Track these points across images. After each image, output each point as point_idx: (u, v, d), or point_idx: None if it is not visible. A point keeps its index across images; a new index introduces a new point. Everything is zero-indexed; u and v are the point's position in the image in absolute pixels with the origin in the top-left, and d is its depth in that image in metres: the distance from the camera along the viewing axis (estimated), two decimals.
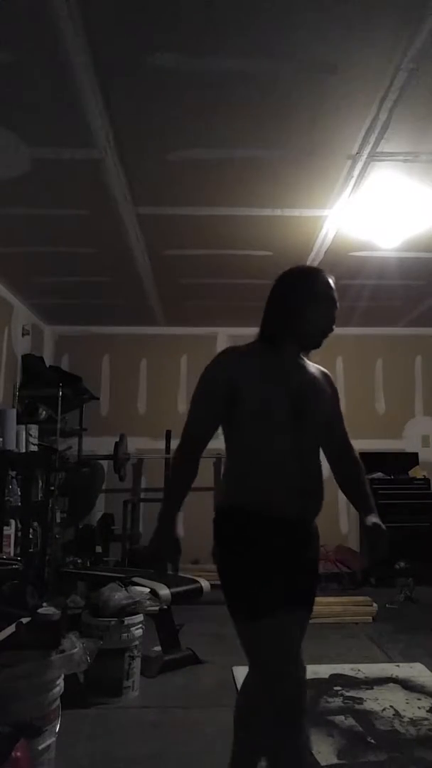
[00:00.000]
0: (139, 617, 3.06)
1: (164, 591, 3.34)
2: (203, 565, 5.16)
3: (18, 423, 4.48)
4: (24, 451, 4.44)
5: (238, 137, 2.72)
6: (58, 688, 2.22)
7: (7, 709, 2.03)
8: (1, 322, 4.97)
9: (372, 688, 3.09)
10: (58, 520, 4.95)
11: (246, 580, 1.66)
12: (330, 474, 1.93)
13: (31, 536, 4.19)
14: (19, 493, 4.14)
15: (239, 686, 3.05)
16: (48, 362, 5.89)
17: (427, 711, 2.82)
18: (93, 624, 2.94)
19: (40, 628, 2.30)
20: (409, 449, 6.14)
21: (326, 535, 1.85)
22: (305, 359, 1.88)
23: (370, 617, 4.33)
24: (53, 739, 2.19)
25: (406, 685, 3.14)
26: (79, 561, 4.92)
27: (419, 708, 2.86)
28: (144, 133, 2.70)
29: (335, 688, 3.07)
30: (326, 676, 3.20)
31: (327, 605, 4.20)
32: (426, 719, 2.73)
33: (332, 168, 2.99)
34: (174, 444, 5.66)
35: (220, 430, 1.82)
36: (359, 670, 3.33)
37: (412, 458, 6.04)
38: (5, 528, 3.88)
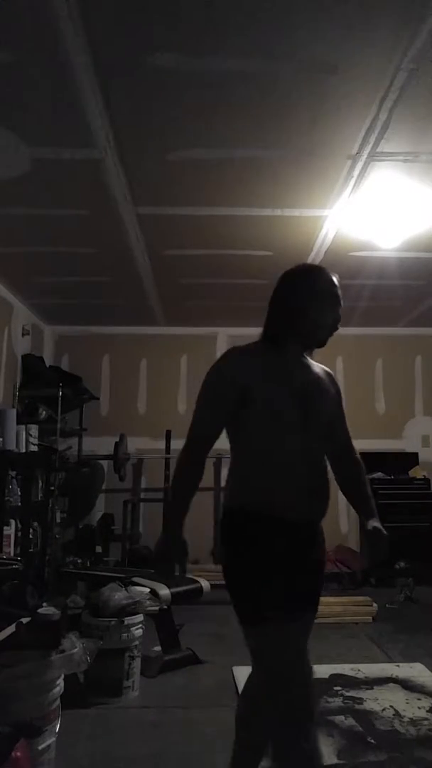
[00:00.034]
0: (139, 617, 3.06)
1: (164, 591, 3.34)
2: (203, 565, 5.16)
3: (18, 423, 4.48)
4: (24, 451, 4.44)
5: (238, 137, 2.72)
6: (58, 688, 2.22)
7: (7, 709, 2.03)
8: (1, 322, 4.97)
9: (372, 688, 3.09)
10: (58, 520, 4.95)
11: (257, 583, 1.63)
12: (331, 474, 1.93)
13: (31, 536, 4.19)
14: (19, 493, 4.14)
15: (239, 686, 3.05)
16: (48, 362, 5.89)
17: (427, 711, 2.82)
18: (93, 624, 2.94)
19: (40, 628, 2.30)
20: (409, 449, 6.14)
21: (326, 535, 1.84)
22: (309, 358, 1.87)
23: (370, 617, 4.33)
24: (53, 739, 2.19)
25: (406, 685, 3.14)
26: (79, 561, 4.92)
27: (419, 708, 2.86)
28: (144, 133, 2.70)
29: (335, 688, 3.07)
30: (326, 676, 3.20)
31: (327, 605, 4.20)
32: (426, 719, 2.73)
33: (332, 168, 2.99)
34: (174, 444, 5.73)
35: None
36: (359, 670, 3.33)
37: (412, 458, 6.04)
38: (5, 528, 3.88)
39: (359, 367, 6.11)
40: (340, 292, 1.84)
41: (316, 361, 1.93)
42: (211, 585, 3.66)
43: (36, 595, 3.59)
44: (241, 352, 1.80)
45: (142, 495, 6.00)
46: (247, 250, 4.08)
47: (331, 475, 1.85)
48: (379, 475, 5.68)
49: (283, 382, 1.74)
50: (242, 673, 3.20)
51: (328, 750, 2.41)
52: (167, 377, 6.17)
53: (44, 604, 2.97)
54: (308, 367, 1.84)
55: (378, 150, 2.79)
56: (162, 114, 2.55)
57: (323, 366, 1.93)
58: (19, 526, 4.08)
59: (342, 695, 2.99)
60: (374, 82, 2.33)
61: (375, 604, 4.41)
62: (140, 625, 3.06)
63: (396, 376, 6.26)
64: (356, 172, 3.00)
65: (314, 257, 4.12)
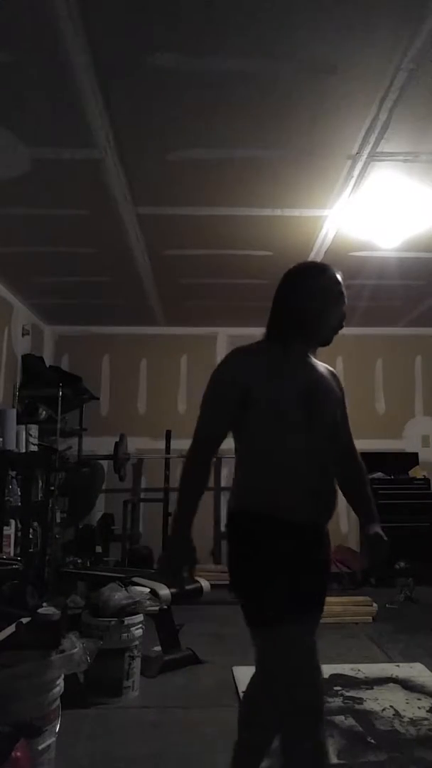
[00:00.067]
0: (139, 617, 3.06)
1: (164, 591, 3.34)
2: (203, 565, 5.16)
3: (18, 423, 4.48)
4: (24, 451, 4.44)
5: (238, 137, 2.72)
6: (58, 688, 2.22)
7: (7, 709, 2.03)
8: (1, 322, 4.97)
9: (372, 688, 3.09)
10: (58, 520, 4.95)
11: (268, 586, 1.61)
12: None
13: (31, 536, 4.19)
14: (19, 493, 4.14)
15: (239, 686, 3.06)
16: (48, 362, 5.89)
17: (427, 711, 2.82)
18: (93, 624, 2.94)
19: (40, 628, 2.30)
20: (409, 449, 6.14)
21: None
22: (313, 358, 1.85)
23: (370, 617, 4.33)
24: (53, 739, 2.19)
25: (406, 685, 3.14)
26: (79, 561, 4.92)
27: (419, 708, 2.86)
28: (144, 133, 2.70)
29: (335, 688, 3.07)
30: (326, 676, 3.18)
31: (327, 605, 4.15)
32: (426, 719, 2.73)
33: (332, 168, 2.99)
34: (174, 444, 5.73)
35: None
36: (359, 670, 3.33)
37: (412, 458, 6.04)
38: (5, 528, 3.88)
39: (359, 367, 6.11)
40: (344, 289, 1.82)
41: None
42: (211, 585, 3.67)
43: (36, 595, 3.60)
44: (246, 352, 1.78)
45: (142, 495, 6.00)
46: (247, 250, 4.08)
47: None
48: (379, 475, 5.68)
49: (288, 383, 1.71)
50: (242, 673, 3.20)
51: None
52: (167, 377, 6.17)
53: (44, 604, 2.97)
54: (313, 367, 1.82)
55: (378, 150, 2.79)
56: (162, 114, 2.55)
57: (327, 366, 1.91)
58: (19, 526, 4.08)
59: (342, 695, 2.99)
60: (374, 82, 2.33)
61: (375, 604, 4.42)
62: (140, 625, 3.06)
63: (396, 376, 6.26)
64: (356, 172, 3.00)
65: (314, 257, 4.11)
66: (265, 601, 1.62)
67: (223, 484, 5.62)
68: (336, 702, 2.91)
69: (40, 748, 2.09)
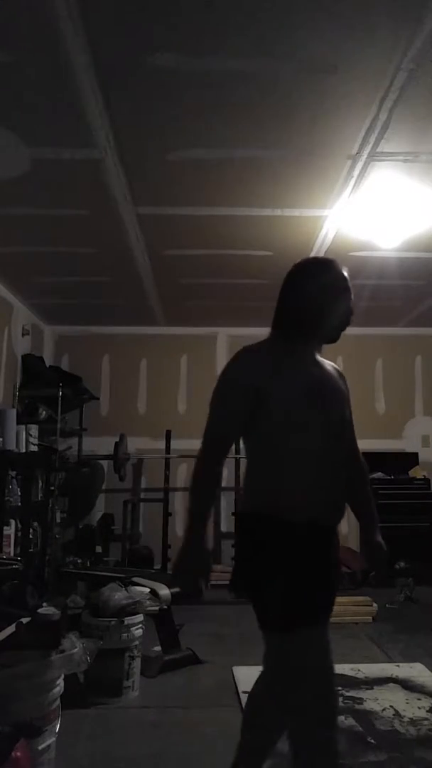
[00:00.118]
0: (139, 617, 3.06)
1: (164, 591, 3.34)
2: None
3: (18, 423, 4.48)
4: (24, 451, 4.44)
5: (238, 137, 2.72)
6: (58, 688, 2.22)
7: (7, 709, 2.03)
8: (1, 322, 4.97)
9: (372, 688, 3.09)
10: (58, 520, 4.95)
11: (285, 589, 1.58)
12: None
13: (31, 536, 4.19)
14: (19, 493, 4.14)
15: (239, 686, 3.06)
16: (48, 362, 5.89)
17: (427, 711, 2.82)
18: (93, 624, 2.94)
19: (40, 628, 2.30)
20: (409, 449, 6.14)
21: None
22: (319, 356, 1.82)
23: (370, 617, 4.33)
24: (53, 739, 2.19)
25: (406, 685, 3.14)
26: (79, 561, 4.92)
27: (419, 708, 2.86)
28: (144, 133, 2.70)
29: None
30: None
31: None
32: (426, 719, 2.73)
33: (332, 168, 2.99)
34: (174, 444, 5.73)
35: None
36: (359, 670, 3.33)
37: (412, 458, 6.04)
38: (5, 528, 3.88)
39: (359, 367, 6.11)
40: (350, 284, 1.80)
41: None
42: (212, 585, 3.66)
43: (36, 595, 3.60)
44: (254, 352, 1.74)
45: (142, 495, 6.00)
46: (247, 250, 4.08)
47: None
48: (379, 475, 5.68)
49: (298, 382, 1.68)
50: (242, 673, 3.20)
51: None
52: (167, 377, 6.17)
53: (44, 604, 2.97)
54: (321, 366, 1.79)
55: (378, 150, 2.79)
56: (162, 114, 2.55)
57: (333, 364, 1.88)
58: (19, 526, 4.08)
59: (342, 695, 2.99)
60: (374, 82, 2.33)
61: (375, 604, 4.41)
62: (140, 625, 3.06)
63: (396, 376, 6.26)
64: (356, 172, 3.00)
65: None
66: (281, 603, 1.58)
67: (223, 484, 5.61)
68: None
69: (40, 748, 2.09)
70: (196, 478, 1.70)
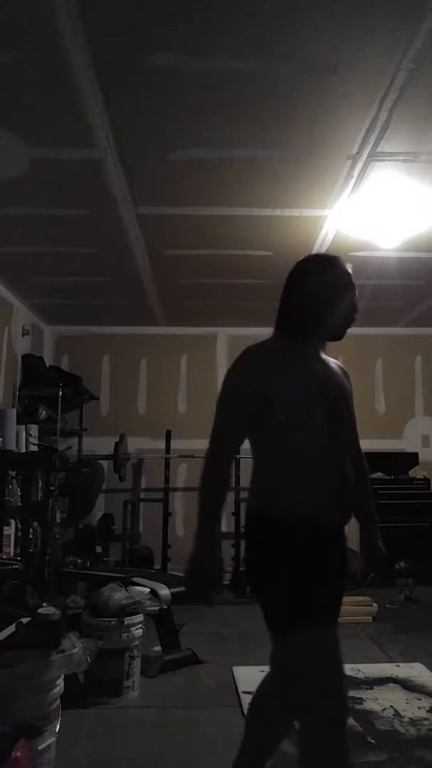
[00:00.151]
0: (139, 617, 3.06)
1: (164, 591, 3.34)
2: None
3: (18, 423, 4.48)
4: (24, 451, 4.44)
5: (238, 137, 2.72)
6: (58, 688, 2.22)
7: (7, 709, 2.03)
8: (1, 322, 4.97)
9: (372, 688, 3.09)
10: (58, 520, 4.95)
11: (295, 589, 1.57)
12: None
13: (31, 536, 4.20)
14: (19, 493, 4.14)
15: (239, 686, 3.06)
16: (48, 362, 5.89)
17: (427, 711, 2.82)
18: (93, 624, 2.94)
19: (40, 628, 2.30)
20: (409, 449, 6.14)
21: None
22: (324, 354, 1.80)
23: (370, 617, 4.33)
24: (53, 739, 2.19)
25: (406, 685, 3.14)
26: (79, 561, 4.92)
27: (419, 708, 2.86)
28: (144, 133, 2.70)
29: None
30: None
31: None
32: (426, 719, 2.73)
33: (332, 168, 2.99)
34: (174, 444, 5.72)
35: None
36: (359, 670, 3.32)
37: (412, 458, 6.04)
38: (5, 528, 3.88)
39: (359, 367, 6.10)
40: (353, 280, 1.78)
41: None
42: None
43: (36, 595, 3.60)
44: (258, 352, 1.71)
45: (142, 495, 6.00)
46: (247, 250, 4.08)
47: None
48: (379, 475, 5.68)
49: (305, 381, 1.67)
50: (242, 673, 3.20)
51: None
52: (167, 377, 6.17)
53: (44, 604, 2.98)
54: (327, 364, 1.78)
55: (378, 150, 2.79)
56: (162, 114, 2.55)
57: (337, 362, 1.87)
58: (19, 526, 4.08)
59: None
60: (374, 82, 2.33)
61: (375, 604, 4.41)
62: (140, 625, 3.06)
63: (396, 376, 6.26)
64: (356, 172, 3.00)
65: None
66: (292, 604, 1.57)
67: None
68: None
69: (40, 748, 2.09)
70: (204, 482, 1.67)
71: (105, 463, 5.82)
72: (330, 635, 1.60)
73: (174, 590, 3.41)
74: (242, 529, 1.78)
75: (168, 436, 5.83)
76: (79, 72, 2.26)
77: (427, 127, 2.62)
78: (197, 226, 3.69)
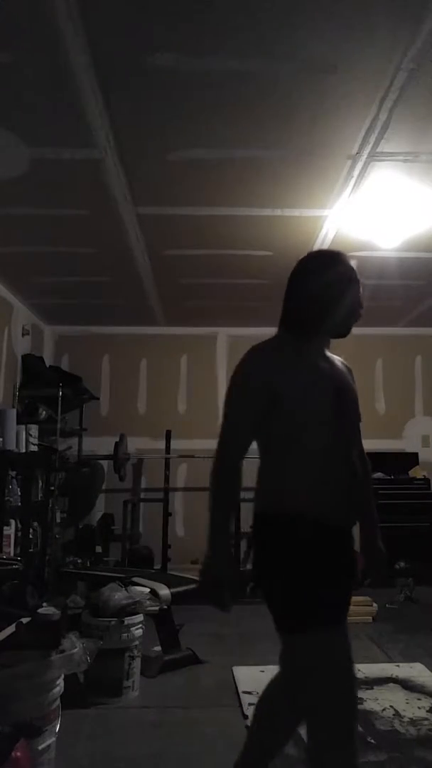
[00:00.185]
0: (139, 617, 3.06)
1: (164, 591, 3.35)
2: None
3: (18, 423, 4.48)
4: (24, 451, 4.44)
5: (239, 137, 2.72)
6: (58, 688, 2.22)
7: (7, 709, 2.03)
8: (1, 322, 4.97)
9: (372, 688, 3.09)
10: (58, 520, 4.95)
11: (309, 590, 1.55)
12: None
13: (31, 536, 4.19)
14: (19, 493, 4.14)
15: (239, 686, 3.06)
16: (48, 362, 5.89)
17: (427, 711, 2.82)
18: (93, 624, 2.94)
19: (40, 628, 2.30)
20: (409, 449, 6.14)
21: None
22: (328, 352, 1.79)
23: (370, 617, 4.33)
24: (53, 739, 2.19)
25: (406, 685, 3.14)
26: (79, 561, 4.92)
27: (419, 708, 2.86)
28: (144, 133, 2.70)
29: None
30: None
31: None
32: (426, 719, 2.73)
33: (332, 168, 2.99)
34: (174, 444, 5.72)
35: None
36: (359, 670, 3.28)
37: (412, 458, 6.04)
38: (5, 528, 3.88)
39: (359, 367, 6.00)
40: (358, 276, 1.77)
41: None
42: None
43: (36, 595, 3.60)
44: (264, 351, 1.69)
45: (142, 495, 6.00)
46: (247, 250, 4.08)
47: None
48: (379, 475, 5.68)
49: (312, 380, 1.65)
50: (242, 673, 3.21)
51: None
52: (167, 377, 6.17)
53: (44, 604, 2.97)
54: (332, 362, 1.77)
55: (378, 150, 2.79)
56: (162, 114, 2.55)
57: (342, 360, 1.85)
58: (19, 526, 4.08)
59: None
60: (374, 82, 2.33)
61: (375, 604, 4.42)
62: (140, 625, 3.06)
63: (396, 376, 6.26)
64: (356, 172, 3.00)
65: None
66: (303, 605, 1.55)
67: None
68: None
69: (40, 748, 2.09)
70: (214, 485, 1.64)
71: (105, 463, 5.82)
72: (341, 636, 1.59)
73: (174, 590, 3.41)
74: (242, 530, 1.76)
75: (168, 436, 5.83)
76: (79, 72, 2.26)
77: (427, 127, 2.62)
78: (197, 226, 3.69)
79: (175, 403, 6.14)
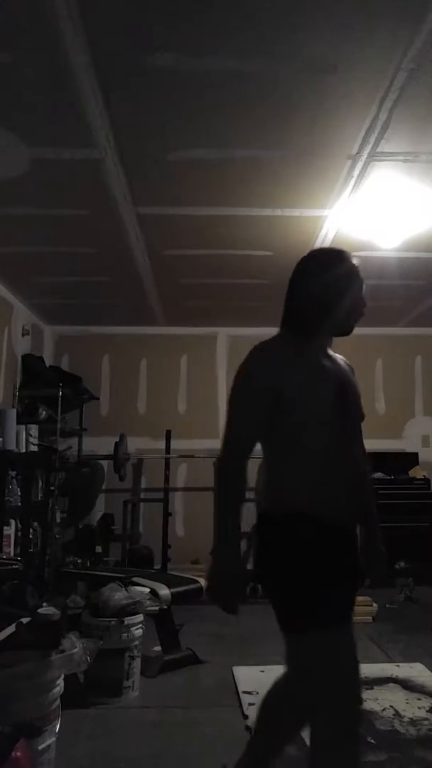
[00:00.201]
0: (139, 617, 3.06)
1: (164, 591, 3.34)
2: (204, 565, 5.15)
3: (18, 423, 4.48)
4: (24, 451, 4.44)
5: (239, 137, 2.72)
6: (58, 688, 2.22)
7: (7, 709, 2.03)
8: (1, 322, 4.97)
9: (372, 688, 3.09)
10: (58, 520, 4.95)
11: (316, 590, 1.54)
12: None
13: (31, 536, 4.19)
14: (19, 493, 4.14)
15: (239, 686, 3.06)
16: (48, 362, 5.89)
17: (427, 711, 2.82)
18: (93, 624, 2.94)
19: (40, 628, 2.30)
20: (409, 449, 6.14)
21: None
22: (330, 350, 1.78)
23: (370, 617, 4.33)
24: (53, 739, 2.19)
25: (406, 685, 3.14)
26: (79, 561, 4.92)
27: (419, 708, 2.86)
28: (144, 133, 2.70)
29: None
30: None
31: None
32: (426, 719, 2.73)
33: (332, 168, 2.99)
34: (174, 444, 5.73)
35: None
36: None
37: (412, 458, 6.04)
38: (5, 528, 3.88)
39: (359, 367, 5.98)
40: (361, 273, 1.76)
41: None
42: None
43: (36, 595, 3.60)
44: (269, 349, 1.68)
45: (142, 495, 6.00)
46: (247, 250, 4.08)
47: None
48: (379, 475, 5.68)
49: (317, 378, 1.65)
50: (242, 673, 3.21)
51: None
52: (167, 377, 6.17)
53: (44, 604, 2.97)
54: (335, 361, 1.76)
55: (378, 150, 2.79)
56: (162, 114, 2.55)
57: (344, 358, 1.85)
58: (19, 526, 4.08)
59: None
60: (374, 82, 2.33)
61: (375, 604, 4.42)
62: (140, 625, 3.06)
63: (396, 376, 6.26)
64: (356, 172, 3.00)
65: None
66: (310, 605, 1.54)
67: None
68: None
69: (40, 748, 2.09)
70: (221, 487, 1.64)
71: (105, 463, 5.82)
72: (347, 636, 1.58)
73: (174, 590, 3.41)
74: (241, 530, 1.75)
75: (168, 436, 5.83)
76: (79, 72, 2.26)
77: (427, 127, 2.62)
78: (197, 226, 3.69)
79: (175, 403, 6.13)
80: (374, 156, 2.84)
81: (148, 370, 6.21)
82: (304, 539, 1.58)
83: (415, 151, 2.80)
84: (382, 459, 5.78)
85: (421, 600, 4.83)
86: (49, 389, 5.14)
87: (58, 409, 5.08)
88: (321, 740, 1.57)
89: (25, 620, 2.36)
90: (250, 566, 1.69)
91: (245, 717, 2.71)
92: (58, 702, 2.23)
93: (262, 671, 3.15)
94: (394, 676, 3.26)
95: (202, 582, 3.68)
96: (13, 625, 2.36)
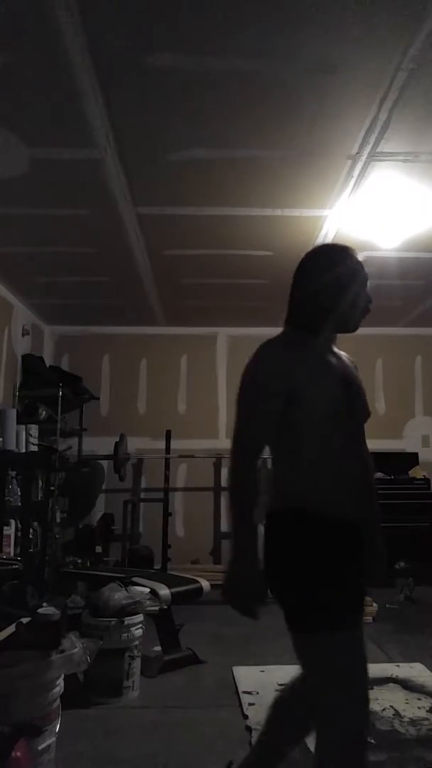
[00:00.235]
0: (139, 617, 3.06)
1: (164, 591, 3.34)
2: (203, 565, 5.16)
3: (18, 423, 4.48)
4: (24, 451, 4.44)
5: (239, 137, 2.72)
6: (58, 688, 2.22)
7: (7, 709, 2.03)
8: (1, 322, 4.97)
9: (372, 688, 3.08)
10: (58, 520, 4.95)
11: (329, 589, 1.52)
12: None
13: (31, 536, 4.19)
14: (19, 493, 4.14)
15: (239, 686, 3.06)
16: (48, 362, 5.89)
17: (427, 711, 2.82)
18: (93, 624, 2.94)
19: (40, 628, 2.30)
20: (409, 449, 6.14)
21: None
22: (335, 348, 1.77)
23: (370, 617, 4.33)
24: (53, 739, 2.19)
25: (406, 685, 3.14)
26: (79, 561, 4.92)
27: (419, 708, 2.86)
28: (144, 133, 2.70)
29: None
30: None
31: None
32: (426, 719, 2.73)
33: (332, 168, 2.99)
34: (174, 444, 5.73)
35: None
36: None
37: (412, 458, 6.04)
38: (5, 528, 3.89)
39: (359, 367, 6.07)
40: (365, 269, 1.75)
41: None
42: (211, 585, 3.67)
43: (36, 595, 3.59)
44: (277, 347, 1.66)
45: (142, 495, 6.00)
46: (247, 250, 4.08)
47: None
48: (379, 475, 5.68)
49: (325, 376, 1.63)
50: (242, 673, 3.21)
51: None
52: (167, 377, 6.17)
53: (44, 604, 2.97)
54: (340, 357, 1.76)
55: (378, 150, 2.79)
56: (162, 114, 2.55)
57: (348, 355, 1.84)
58: (19, 526, 4.08)
59: None
60: (374, 82, 2.33)
61: (375, 604, 4.41)
62: (140, 625, 3.06)
63: (396, 376, 6.26)
64: (356, 172, 3.01)
65: None
66: (320, 605, 1.52)
67: (224, 484, 5.62)
68: None
69: (40, 748, 2.09)
70: (234, 490, 1.61)
71: (105, 463, 5.82)
72: (356, 636, 1.57)
73: (174, 590, 3.41)
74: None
75: (168, 436, 5.83)
76: (79, 72, 2.26)
77: (427, 127, 2.62)
78: (197, 226, 3.69)
79: (175, 403, 6.14)
80: (374, 156, 2.85)
81: (148, 370, 6.21)
82: (314, 537, 1.56)
83: (415, 151, 2.80)
84: (382, 459, 5.76)
85: (421, 600, 4.83)
86: (49, 389, 5.14)
87: (58, 409, 5.08)
88: (327, 741, 1.55)
89: (25, 620, 2.36)
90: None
91: (245, 717, 2.71)
92: (58, 702, 2.23)
93: (262, 671, 3.15)
94: (394, 676, 3.26)
95: (203, 582, 3.68)
96: (13, 625, 2.36)
